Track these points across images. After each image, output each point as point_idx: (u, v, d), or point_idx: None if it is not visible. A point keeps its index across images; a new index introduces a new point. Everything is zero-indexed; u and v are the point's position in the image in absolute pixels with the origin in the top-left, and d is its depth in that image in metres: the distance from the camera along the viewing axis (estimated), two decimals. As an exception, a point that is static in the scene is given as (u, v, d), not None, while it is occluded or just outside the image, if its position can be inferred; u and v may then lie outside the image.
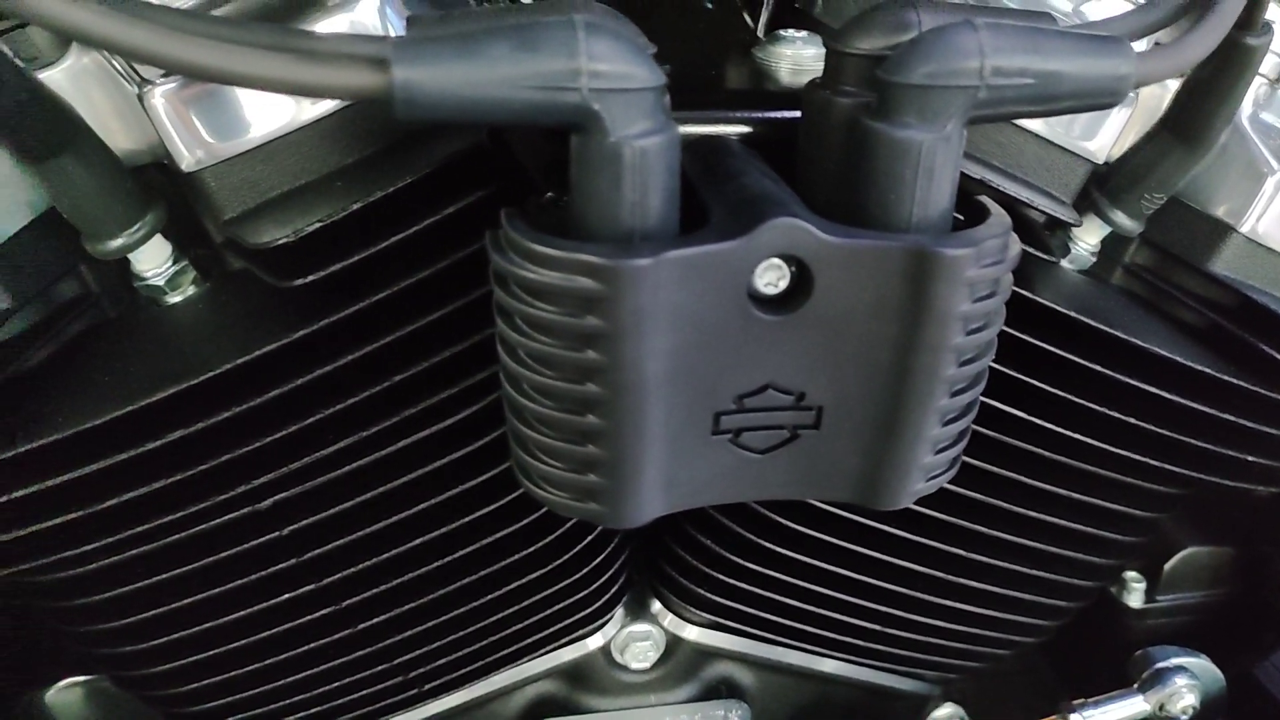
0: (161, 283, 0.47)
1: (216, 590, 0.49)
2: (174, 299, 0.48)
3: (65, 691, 0.64)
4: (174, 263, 0.47)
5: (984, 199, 0.38)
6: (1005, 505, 0.55)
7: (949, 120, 0.33)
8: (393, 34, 0.40)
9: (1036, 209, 0.48)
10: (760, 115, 0.44)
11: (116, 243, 0.45)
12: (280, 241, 0.41)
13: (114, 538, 0.45)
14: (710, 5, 0.56)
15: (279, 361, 0.43)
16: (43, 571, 0.47)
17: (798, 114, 0.41)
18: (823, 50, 0.49)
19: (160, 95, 0.42)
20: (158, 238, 0.46)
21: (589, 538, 0.55)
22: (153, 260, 0.47)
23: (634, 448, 0.35)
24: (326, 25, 0.39)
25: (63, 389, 0.45)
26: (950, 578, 0.58)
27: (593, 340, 0.33)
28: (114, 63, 0.43)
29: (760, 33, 0.54)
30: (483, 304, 0.44)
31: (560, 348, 0.34)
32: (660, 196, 0.33)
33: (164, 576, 0.48)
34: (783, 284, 0.34)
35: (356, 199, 0.41)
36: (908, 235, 0.34)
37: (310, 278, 0.41)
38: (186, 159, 0.43)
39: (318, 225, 0.41)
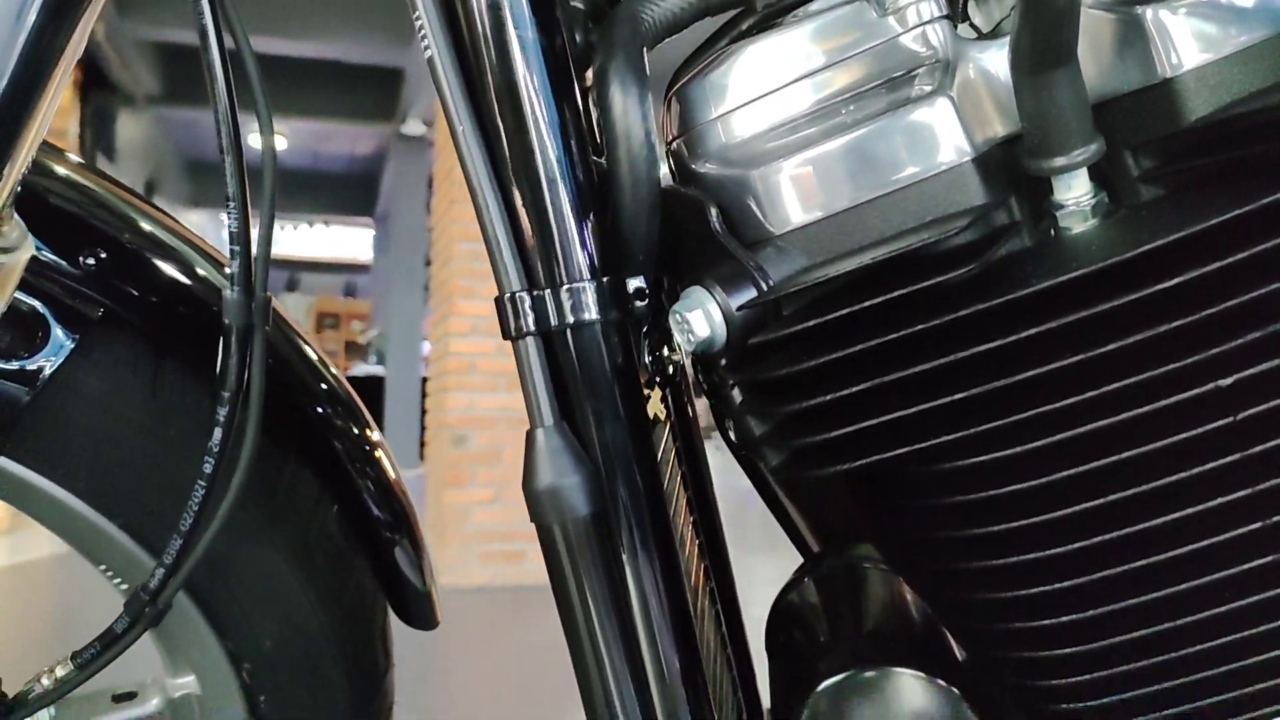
0: (1086, 208, 0.53)
1: (1146, 486, 0.49)
2: (1081, 228, 0.53)
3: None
4: (1094, 195, 0.53)
5: None
6: None
7: None
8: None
9: None
10: None
11: (1060, 161, 0.51)
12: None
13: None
14: None
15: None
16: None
17: None
18: None
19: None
20: (1085, 170, 0.53)
21: None
22: (1079, 189, 0.53)
23: None
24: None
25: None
26: None
27: None
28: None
29: None
30: None
31: None
32: None
33: (1091, 466, 0.49)
34: None
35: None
36: None
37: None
38: (1173, 65, 0.50)
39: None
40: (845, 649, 0.65)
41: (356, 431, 0.89)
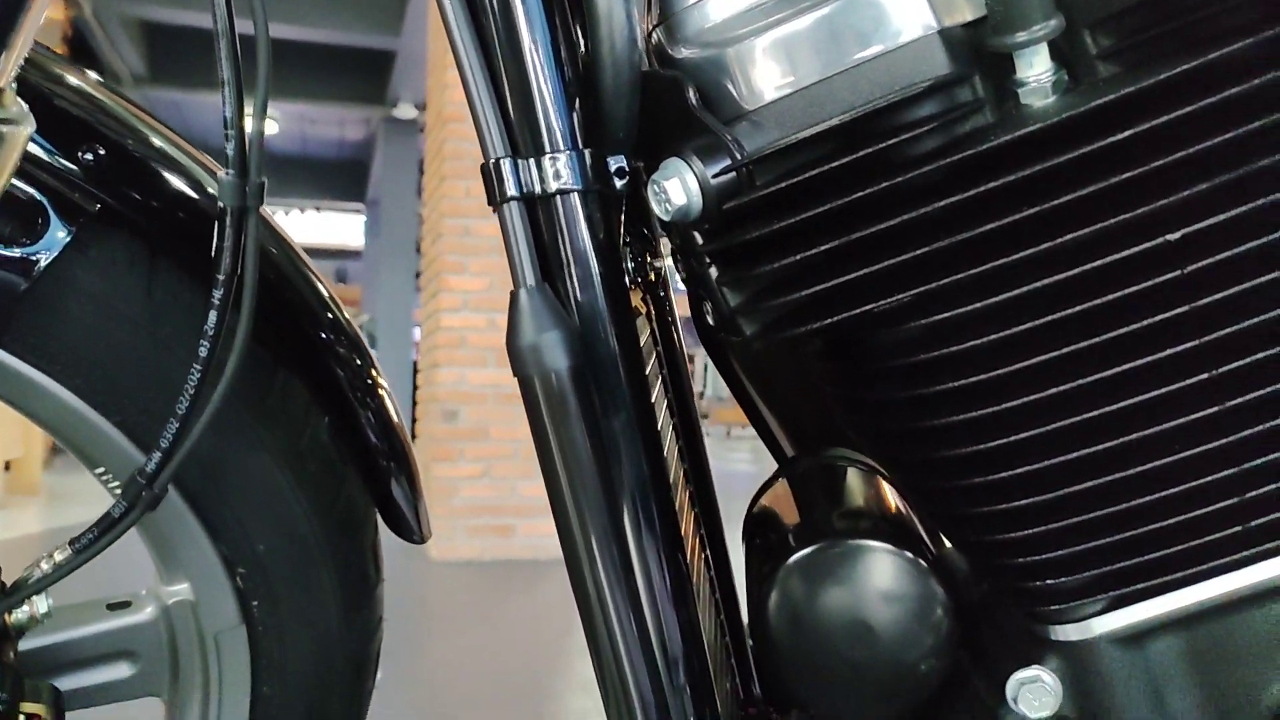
0: (1046, 85, 0.55)
1: (1095, 340, 0.51)
2: (1042, 104, 0.56)
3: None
4: (1054, 73, 0.56)
5: None
6: None
7: None
8: None
9: None
10: None
11: (1022, 37, 0.54)
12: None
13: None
14: None
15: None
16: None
17: None
18: None
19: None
20: (1045, 46, 0.55)
21: None
22: (1040, 66, 0.55)
23: None
24: None
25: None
26: None
27: None
28: None
29: None
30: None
31: None
32: None
33: (1044, 320, 0.51)
34: None
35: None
36: None
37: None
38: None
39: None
40: (816, 527, 0.67)
41: (359, 363, 0.91)
